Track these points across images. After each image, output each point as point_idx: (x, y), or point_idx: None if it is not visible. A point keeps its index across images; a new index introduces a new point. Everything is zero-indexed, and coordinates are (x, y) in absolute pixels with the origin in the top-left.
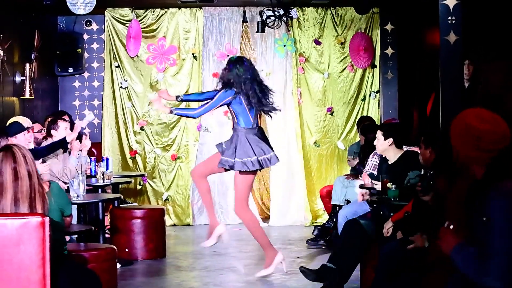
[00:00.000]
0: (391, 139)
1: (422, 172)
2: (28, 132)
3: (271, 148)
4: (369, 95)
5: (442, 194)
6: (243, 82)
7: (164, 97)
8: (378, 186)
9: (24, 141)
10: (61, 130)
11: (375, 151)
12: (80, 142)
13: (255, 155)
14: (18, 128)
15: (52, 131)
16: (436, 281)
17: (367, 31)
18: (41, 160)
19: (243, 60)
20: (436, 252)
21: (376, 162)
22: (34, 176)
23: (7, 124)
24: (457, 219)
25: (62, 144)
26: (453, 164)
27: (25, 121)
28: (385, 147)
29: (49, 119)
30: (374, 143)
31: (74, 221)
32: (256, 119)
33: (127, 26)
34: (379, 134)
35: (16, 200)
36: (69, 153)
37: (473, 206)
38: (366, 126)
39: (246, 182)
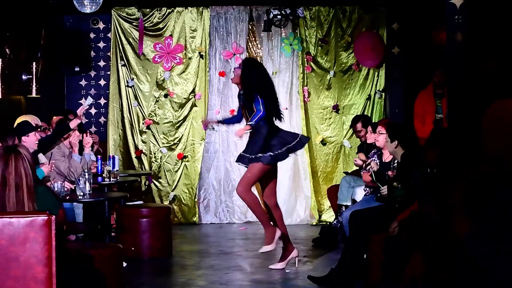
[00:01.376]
0: (396, 142)
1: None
2: (38, 131)
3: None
4: (375, 94)
5: (446, 193)
6: (262, 86)
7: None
8: (384, 190)
9: (34, 140)
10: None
11: (373, 151)
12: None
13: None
14: (28, 128)
15: None
16: (443, 276)
17: (374, 30)
18: (46, 160)
19: (258, 63)
20: (441, 248)
21: (377, 160)
22: (22, 189)
23: (16, 123)
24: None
25: (66, 130)
26: (459, 162)
27: (34, 119)
28: (392, 149)
29: (55, 118)
30: (382, 144)
31: (80, 219)
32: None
33: (134, 25)
34: (386, 136)
35: (3, 207)
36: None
37: (494, 196)
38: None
39: (262, 170)
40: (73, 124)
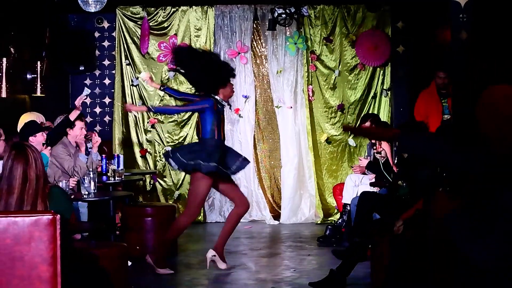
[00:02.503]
0: None
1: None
2: (46, 131)
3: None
4: (380, 93)
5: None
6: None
7: (149, 83)
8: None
9: (42, 140)
10: (77, 130)
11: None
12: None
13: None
14: (35, 128)
15: (68, 129)
16: (444, 275)
17: (380, 29)
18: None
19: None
20: (442, 247)
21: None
22: (41, 179)
23: (23, 123)
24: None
25: (68, 124)
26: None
27: (39, 117)
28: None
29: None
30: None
31: (85, 218)
32: (220, 132)
33: (138, 24)
34: None
35: (21, 200)
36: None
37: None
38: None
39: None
40: (73, 115)
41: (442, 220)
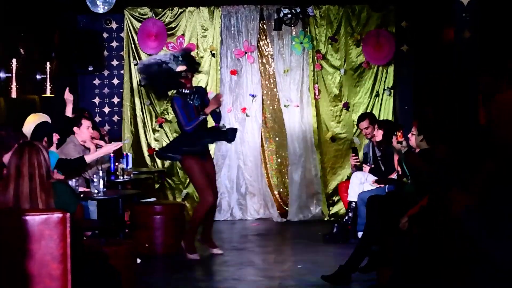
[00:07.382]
0: (421, 136)
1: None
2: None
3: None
4: (383, 92)
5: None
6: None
7: None
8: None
9: (54, 140)
10: (83, 129)
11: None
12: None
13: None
14: (47, 129)
15: (75, 128)
16: (458, 272)
17: (383, 28)
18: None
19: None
20: (453, 245)
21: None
22: (36, 180)
23: (30, 123)
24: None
25: (68, 121)
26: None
27: (41, 118)
28: (418, 142)
29: (72, 115)
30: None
31: (94, 217)
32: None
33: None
34: (414, 129)
35: (17, 197)
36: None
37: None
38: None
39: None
40: (68, 111)
41: (459, 217)
